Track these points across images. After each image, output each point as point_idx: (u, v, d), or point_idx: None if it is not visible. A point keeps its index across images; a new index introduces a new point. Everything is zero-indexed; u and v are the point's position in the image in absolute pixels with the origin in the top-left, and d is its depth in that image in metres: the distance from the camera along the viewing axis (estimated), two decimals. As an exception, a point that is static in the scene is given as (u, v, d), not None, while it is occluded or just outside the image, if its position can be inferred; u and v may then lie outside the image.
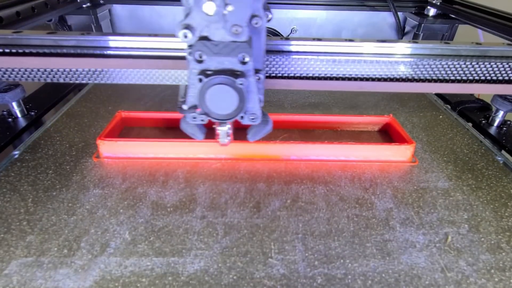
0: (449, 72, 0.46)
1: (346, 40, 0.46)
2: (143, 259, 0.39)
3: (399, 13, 1.05)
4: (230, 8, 0.33)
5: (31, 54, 0.42)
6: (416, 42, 0.46)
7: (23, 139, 0.63)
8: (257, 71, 0.40)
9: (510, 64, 0.45)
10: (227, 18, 0.34)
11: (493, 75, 0.46)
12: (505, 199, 0.50)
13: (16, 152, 0.56)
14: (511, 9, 0.74)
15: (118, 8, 1.11)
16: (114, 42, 0.43)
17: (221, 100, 0.37)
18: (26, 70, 0.43)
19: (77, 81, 0.45)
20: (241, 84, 0.36)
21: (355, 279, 0.38)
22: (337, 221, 0.45)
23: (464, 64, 0.46)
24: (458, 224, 0.46)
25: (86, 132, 0.63)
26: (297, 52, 0.46)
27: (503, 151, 0.64)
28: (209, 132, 0.66)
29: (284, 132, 0.65)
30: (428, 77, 0.47)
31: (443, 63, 0.46)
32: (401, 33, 1.06)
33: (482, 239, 0.44)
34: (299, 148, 0.57)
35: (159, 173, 0.53)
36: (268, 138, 0.62)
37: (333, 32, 1.12)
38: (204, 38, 0.35)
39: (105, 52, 0.43)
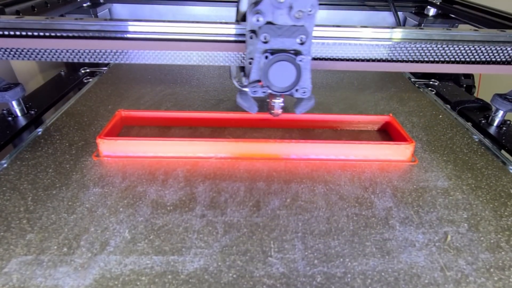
0: (422, 54, 0.53)
1: (333, 26, 0.52)
2: (142, 257, 0.40)
3: (399, 13, 1.05)
4: None
5: (62, 37, 0.51)
6: (394, 28, 0.52)
7: (23, 138, 0.63)
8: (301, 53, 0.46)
9: (474, 46, 0.53)
10: (293, 4, 0.40)
11: (461, 56, 0.53)
12: (505, 198, 0.50)
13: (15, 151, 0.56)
14: (511, 9, 0.74)
15: (118, 7, 1.11)
16: (132, 27, 0.51)
17: (282, 74, 0.44)
18: (56, 51, 0.52)
19: (100, 61, 0.53)
20: (300, 61, 0.43)
21: (355, 277, 0.38)
22: (336, 220, 0.46)
23: (436, 46, 0.52)
24: (457, 223, 0.46)
25: (86, 131, 0.63)
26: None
27: (503, 151, 0.64)
28: (210, 132, 0.67)
29: (284, 131, 0.65)
30: (404, 59, 0.54)
31: (417, 46, 0.52)
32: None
33: (482, 238, 0.44)
34: (299, 147, 0.57)
35: (159, 172, 0.53)
36: (267, 137, 0.62)
37: (333, 31, 1.12)
38: (269, 23, 0.43)
39: (124, 36, 0.52)
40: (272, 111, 0.52)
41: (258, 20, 0.41)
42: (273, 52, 0.43)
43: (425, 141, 0.64)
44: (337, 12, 1.09)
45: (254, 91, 0.46)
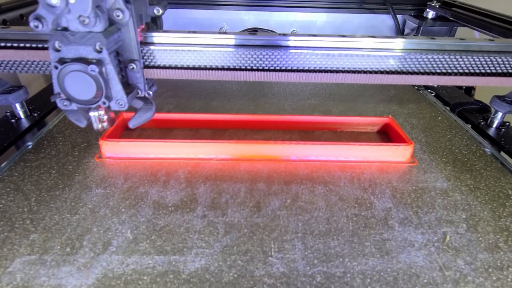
0: (434, 65, 0.49)
1: (339, 35, 0.48)
2: (144, 257, 0.40)
3: (399, 16, 1.06)
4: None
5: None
6: (404, 37, 0.48)
7: (26, 140, 0.64)
8: (132, 61, 0.43)
9: (490, 57, 0.48)
10: (71, 9, 0.36)
11: (475, 67, 0.49)
12: (503, 199, 0.51)
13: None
14: (508, 11, 0.75)
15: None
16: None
17: (79, 86, 0.39)
18: (44, 63, 0.48)
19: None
20: (92, 71, 0.38)
21: (354, 277, 0.39)
22: (336, 221, 0.46)
23: (448, 57, 0.48)
24: (456, 223, 0.46)
25: (89, 132, 0.64)
26: (294, 47, 0.48)
27: (502, 152, 0.64)
28: (210, 133, 0.67)
29: (285, 133, 0.66)
30: (415, 70, 0.49)
31: (429, 57, 0.48)
32: (400, 35, 1.07)
33: (480, 238, 0.44)
34: (299, 149, 0.57)
35: (160, 173, 0.54)
36: (268, 139, 0.63)
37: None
38: (64, 29, 0.38)
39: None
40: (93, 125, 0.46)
41: (37, 27, 0.36)
42: (67, 61, 0.38)
43: (424, 142, 0.65)
44: (337, 15, 1.09)
45: (65, 104, 0.41)
